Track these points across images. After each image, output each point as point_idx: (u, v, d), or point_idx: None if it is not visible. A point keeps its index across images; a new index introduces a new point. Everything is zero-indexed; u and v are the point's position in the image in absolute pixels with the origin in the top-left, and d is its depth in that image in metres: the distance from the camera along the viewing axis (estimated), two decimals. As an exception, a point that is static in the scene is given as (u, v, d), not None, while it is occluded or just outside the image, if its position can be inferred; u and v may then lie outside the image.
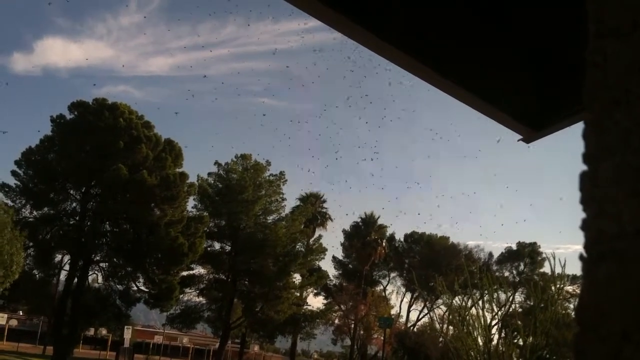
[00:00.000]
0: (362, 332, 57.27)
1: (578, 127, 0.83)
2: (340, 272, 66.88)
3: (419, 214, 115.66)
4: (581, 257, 0.71)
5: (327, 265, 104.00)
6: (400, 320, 65.46)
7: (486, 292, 18.31)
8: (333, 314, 60.25)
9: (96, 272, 44.97)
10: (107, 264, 44.37)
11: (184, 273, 47.50)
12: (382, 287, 69.35)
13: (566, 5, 2.22)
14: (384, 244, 63.07)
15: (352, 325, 57.62)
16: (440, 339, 39.54)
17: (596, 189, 0.70)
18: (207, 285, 50.40)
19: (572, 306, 32.81)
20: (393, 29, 2.44)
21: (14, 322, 58.13)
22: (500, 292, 21.40)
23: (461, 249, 64.88)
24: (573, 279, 40.02)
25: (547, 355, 16.68)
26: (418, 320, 66.37)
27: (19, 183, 41.74)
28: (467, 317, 17.29)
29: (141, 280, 44.56)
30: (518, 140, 3.16)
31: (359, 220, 65.12)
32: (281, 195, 51.43)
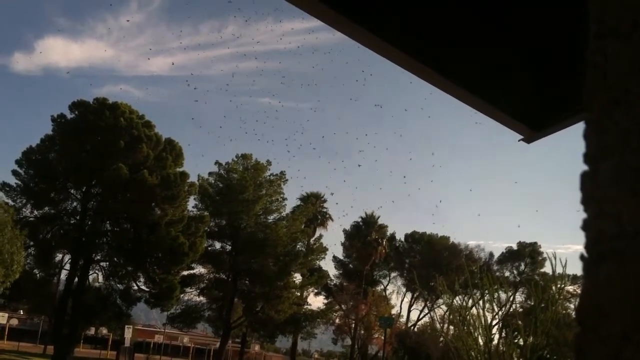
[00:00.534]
0: (362, 331, 57.28)
1: (579, 127, 0.84)
2: (341, 271, 66.91)
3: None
4: (582, 257, 0.70)
5: (327, 264, 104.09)
6: (401, 320, 65.55)
7: (487, 292, 18.31)
8: (333, 314, 60.25)
9: (97, 271, 45.02)
10: (107, 263, 44.36)
11: (185, 272, 47.55)
12: (382, 287, 69.43)
13: (566, 6, 2.22)
14: (384, 243, 63.07)
15: (353, 325, 57.61)
16: (441, 339, 39.53)
17: (596, 189, 0.70)
18: (208, 285, 50.41)
19: (572, 306, 32.84)
20: (394, 30, 2.45)
21: (14, 322, 58.17)
22: (500, 292, 21.40)
23: (462, 249, 64.87)
24: (574, 279, 40.02)
25: (548, 355, 16.69)
26: (418, 320, 66.44)
27: (19, 182, 41.74)
28: (468, 317, 17.29)
29: (142, 279, 44.56)
30: (519, 140, 3.16)
31: (359, 220, 65.19)
32: (282, 195, 51.47)
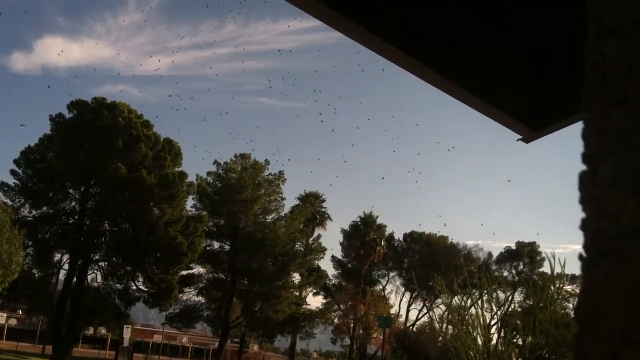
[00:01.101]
0: (361, 331, 57.27)
1: (577, 127, 0.84)
2: (340, 271, 66.86)
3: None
4: (580, 257, 0.71)
5: (326, 264, 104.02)
6: (400, 319, 65.48)
7: (485, 291, 18.31)
8: (332, 314, 60.26)
9: (95, 271, 44.99)
10: (106, 263, 44.33)
11: (183, 272, 47.53)
12: (381, 287, 69.40)
13: (565, 6, 2.22)
14: (383, 243, 63.08)
15: (352, 325, 57.62)
16: (440, 339, 39.51)
17: (595, 189, 0.69)
18: (206, 285, 50.41)
19: (571, 306, 32.85)
20: (393, 29, 2.45)
21: (13, 322, 58.21)
22: (499, 291, 21.43)
23: (460, 249, 64.92)
24: (572, 278, 40.08)
25: (547, 355, 16.69)
26: (417, 319, 66.44)
27: (18, 182, 41.70)
28: (467, 317, 17.29)
29: (140, 279, 44.54)
30: (517, 140, 3.16)
31: (358, 219, 65.17)
32: (280, 195, 51.48)
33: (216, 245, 50.56)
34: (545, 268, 48.82)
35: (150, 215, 41.97)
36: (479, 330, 16.56)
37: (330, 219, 63.33)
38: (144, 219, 41.63)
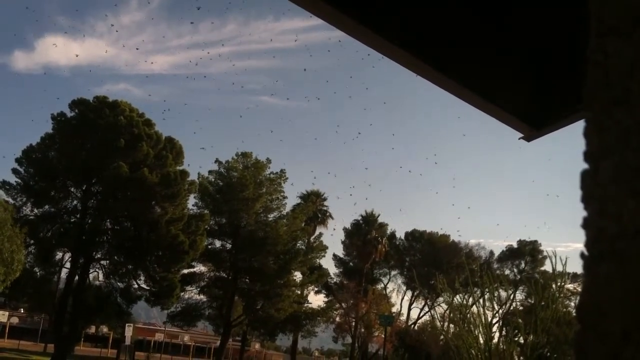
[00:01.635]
0: (363, 330, 57.30)
1: (579, 126, 0.84)
2: (341, 270, 66.91)
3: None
4: (582, 256, 0.70)
5: (327, 263, 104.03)
6: (401, 318, 65.54)
7: (487, 290, 18.32)
8: (334, 312, 60.25)
9: (97, 269, 45.02)
10: (108, 261, 44.36)
11: (185, 271, 47.59)
12: (382, 285, 69.41)
13: (567, 5, 2.22)
14: (384, 241, 63.05)
15: (353, 323, 57.64)
16: (441, 337, 39.53)
17: (597, 188, 0.69)
18: (208, 283, 50.44)
19: (573, 304, 32.85)
20: (395, 28, 2.45)
21: (15, 320, 58.26)
22: (501, 290, 21.45)
23: (462, 247, 64.86)
24: (574, 277, 40.04)
25: (548, 354, 16.68)
26: (419, 318, 66.45)
27: (19, 181, 41.74)
28: (468, 315, 17.28)
29: (142, 277, 44.59)
30: (519, 139, 3.17)
31: (359, 218, 65.19)
32: (282, 193, 51.50)
33: (218, 243, 50.65)
34: (547, 266, 48.79)
35: (152, 213, 41.99)
36: (481, 329, 16.55)
37: (332, 218, 63.42)
38: (146, 217, 41.65)
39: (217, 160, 50.22)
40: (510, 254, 65.83)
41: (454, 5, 2.35)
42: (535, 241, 64.33)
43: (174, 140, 45.16)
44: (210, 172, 50.00)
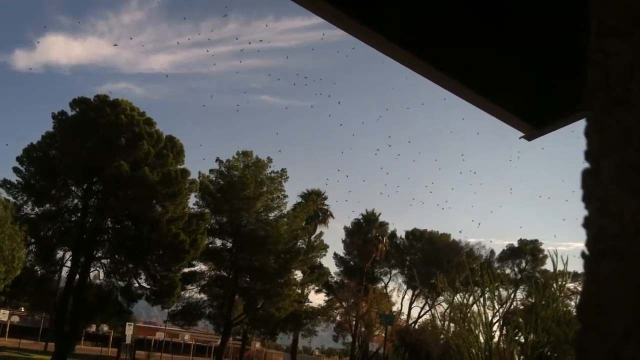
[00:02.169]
0: (363, 329, 57.31)
1: (580, 125, 0.84)
2: (342, 269, 66.91)
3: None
4: (583, 255, 0.70)
5: (328, 262, 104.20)
6: (402, 317, 65.58)
7: (487, 289, 18.32)
8: (334, 311, 60.28)
9: (98, 268, 45.02)
10: (108, 260, 44.37)
11: (186, 270, 47.57)
12: (383, 284, 69.41)
13: (567, 5, 2.23)
14: (385, 241, 63.04)
15: (354, 322, 57.66)
16: (442, 336, 39.55)
17: (598, 187, 0.70)
18: (209, 282, 50.45)
19: (573, 303, 32.84)
20: (396, 28, 2.46)
21: (15, 319, 58.31)
22: (501, 289, 21.43)
23: (462, 246, 64.86)
24: (574, 276, 40.03)
25: (549, 353, 16.69)
26: (419, 317, 66.49)
27: (20, 180, 41.75)
28: (469, 315, 17.30)
29: (143, 276, 44.58)
30: (520, 138, 3.17)
31: (360, 217, 65.19)
32: (282, 192, 51.49)
33: (218, 242, 50.65)
34: (548, 266, 48.82)
35: (153, 212, 41.98)
36: (481, 328, 16.57)
37: (333, 217, 63.40)
38: (147, 216, 41.64)
39: (217, 159, 50.26)
40: (511, 253, 65.81)
41: (454, 5, 2.35)
42: (536, 240, 64.37)
43: (174, 139, 45.16)
44: (211, 171, 50.04)
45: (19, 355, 43.54)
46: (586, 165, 0.72)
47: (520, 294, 56.96)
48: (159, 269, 43.55)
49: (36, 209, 42.80)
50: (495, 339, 17.08)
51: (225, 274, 49.95)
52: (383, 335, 46.07)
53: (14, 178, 41.72)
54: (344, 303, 58.38)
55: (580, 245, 0.70)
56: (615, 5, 0.71)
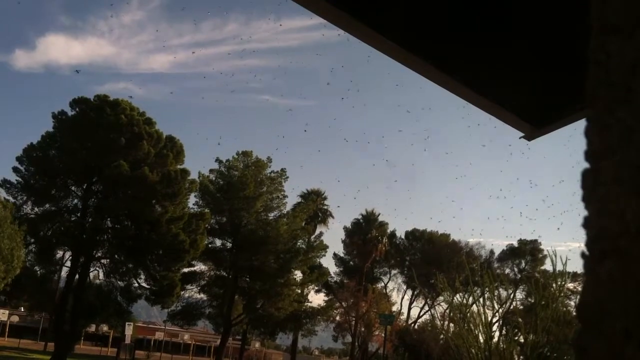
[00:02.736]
0: (363, 329, 57.28)
1: (580, 125, 0.84)
2: (341, 269, 66.90)
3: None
4: (583, 255, 0.70)
5: (328, 262, 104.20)
6: (401, 317, 65.55)
7: (487, 289, 18.32)
8: (334, 311, 60.23)
9: (97, 268, 45.06)
10: (108, 260, 44.38)
11: (185, 270, 47.57)
12: (383, 284, 69.38)
13: (568, 4, 2.23)
14: (384, 241, 63.03)
15: (353, 322, 57.65)
16: (441, 336, 39.56)
17: (598, 187, 0.69)
18: (208, 282, 50.46)
19: (573, 303, 32.84)
20: (397, 28, 2.46)
21: (15, 319, 58.26)
22: (501, 289, 21.43)
23: (462, 246, 64.83)
24: (574, 276, 40.02)
25: (548, 353, 16.67)
26: (419, 317, 66.46)
27: (20, 179, 41.78)
28: (468, 315, 17.29)
29: (142, 276, 44.58)
30: (520, 138, 3.17)
31: (360, 217, 65.18)
32: (282, 192, 51.48)
33: (218, 242, 50.66)
34: (547, 266, 48.81)
35: (153, 212, 41.97)
36: (481, 328, 16.57)
37: (332, 217, 63.37)
38: (146, 216, 41.63)
39: (217, 159, 50.24)
40: (511, 253, 65.77)
41: (455, 5, 2.35)
42: (536, 240, 64.32)
43: (174, 139, 45.16)
44: (210, 170, 50.03)
45: (18, 355, 43.51)
46: (586, 165, 0.72)
47: (519, 294, 56.90)
48: (158, 268, 43.54)
49: (36, 209, 42.86)
50: (495, 339, 17.08)
51: (225, 274, 49.95)
52: (383, 335, 46.04)
53: (13, 178, 41.79)
54: (343, 303, 58.37)
55: (579, 245, 0.74)
56: (617, 4, 0.70)
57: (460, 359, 16.80)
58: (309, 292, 59.42)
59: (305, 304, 57.00)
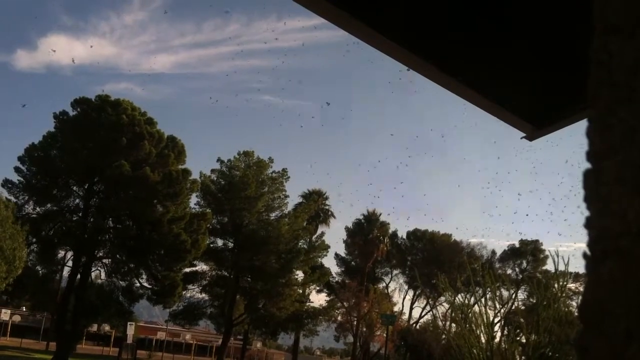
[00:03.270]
0: (364, 329, 57.28)
1: (582, 125, 0.84)
2: (343, 269, 66.88)
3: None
4: (585, 255, 0.70)
5: (329, 262, 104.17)
6: (403, 317, 65.52)
7: (489, 289, 18.29)
8: (336, 311, 60.26)
9: (99, 268, 45.12)
10: (110, 260, 44.43)
11: (187, 269, 47.59)
12: (384, 284, 69.34)
13: (569, 4, 2.22)
14: (386, 241, 63.00)
15: (355, 323, 57.63)
16: (443, 337, 39.56)
17: (600, 187, 0.69)
18: (210, 282, 50.50)
19: (574, 304, 32.81)
20: (398, 28, 2.45)
21: (17, 318, 58.35)
22: (502, 289, 21.40)
23: (463, 247, 64.78)
24: (576, 276, 40.00)
25: (550, 353, 16.64)
26: (420, 317, 66.38)
27: (22, 179, 41.84)
28: (470, 315, 17.26)
29: (144, 276, 44.65)
30: (521, 138, 3.16)
31: (361, 217, 65.16)
32: (284, 192, 51.48)
33: (220, 242, 50.72)
34: (549, 266, 48.73)
35: (154, 212, 41.99)
36: (482, 328, 16.54)
37: (334, 217, 63.38)
38: (148, 216, 41.66)
39: (219, 159, 50.25)
40: (512, 254, 65.70)
41: (455, 5, 2.34)
42: (537, 240, 64.22)
43: (175, 139, 45.18)
44: (212, 170, 50.06)
45: (20, 355, 43.58)
46: (588, 165, 0.71)
47: (521, 294, 56.76)
48: (160, 268, 43.58)
49: (37, 209, 42.94)
50: (497, 340, 17.06)
51: (226, 273, 49.99)
52: (384, 335, 46.07)
53: (15, 178, 41.83)
54: (345, 303, 58.35)
55: (580, 245, 0.73)
56: (619, 4, 0.70)
57: (462, 359, 16.77)
58: (311, 292, 59.51)
59: (307, 304, 57.06)
